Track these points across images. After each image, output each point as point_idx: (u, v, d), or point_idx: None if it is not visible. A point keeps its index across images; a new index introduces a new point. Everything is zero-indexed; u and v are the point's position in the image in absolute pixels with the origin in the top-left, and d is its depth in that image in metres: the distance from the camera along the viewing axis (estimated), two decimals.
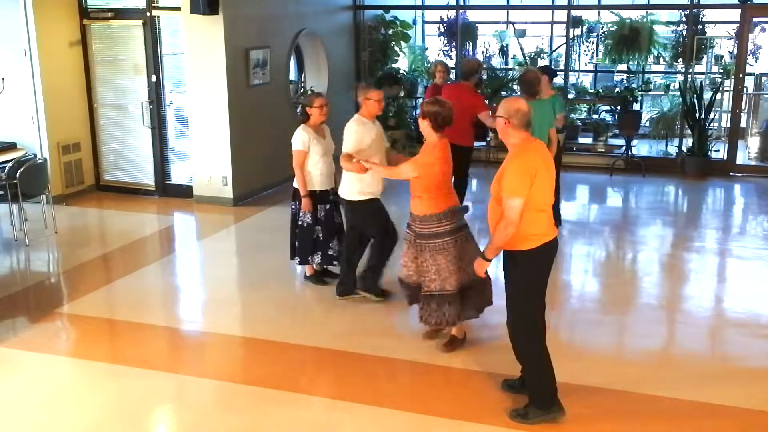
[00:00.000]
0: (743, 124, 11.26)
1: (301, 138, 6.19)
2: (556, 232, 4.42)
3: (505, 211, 4.18)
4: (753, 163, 11.13)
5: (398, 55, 12.37)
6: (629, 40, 11.10)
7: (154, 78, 9.32)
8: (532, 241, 4.27)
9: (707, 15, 11.35)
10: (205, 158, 9.17)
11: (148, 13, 9.20)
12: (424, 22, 13.70)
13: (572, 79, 12.14)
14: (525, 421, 4.47)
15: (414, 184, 5.20)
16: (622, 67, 12.23)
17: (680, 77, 11.39)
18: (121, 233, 8.32)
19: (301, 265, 6.61)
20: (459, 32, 12.06)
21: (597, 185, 10.39)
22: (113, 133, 9.78)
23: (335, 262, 6.53)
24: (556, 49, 12.48)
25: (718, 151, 10.94)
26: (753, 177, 10.57)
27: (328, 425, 4.52)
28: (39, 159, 8.25)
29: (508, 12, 13.19)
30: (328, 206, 6.39)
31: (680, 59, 11.42)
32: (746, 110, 11.35)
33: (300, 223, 6.36)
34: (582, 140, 11.74)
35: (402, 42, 12.26)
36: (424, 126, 5.16)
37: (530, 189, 4.17)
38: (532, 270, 4.37)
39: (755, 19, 11.12)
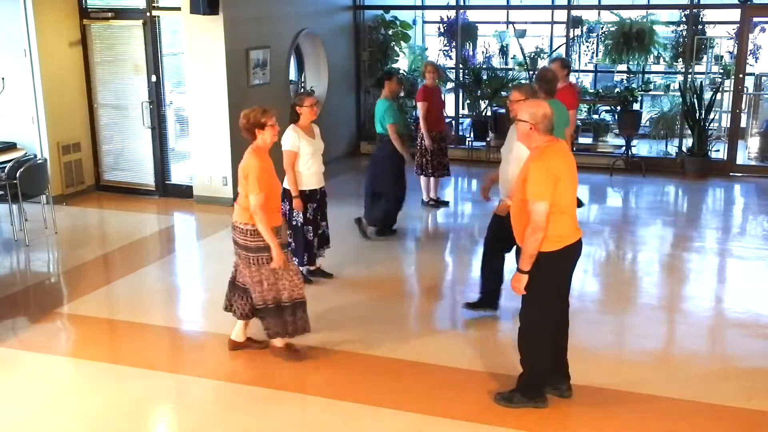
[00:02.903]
0: (743, 124, 11.26)
1: (290, 138, 6.20)
2: (580, 234, 4.39)
3: (531, 215, 4.15)
4: (753, 163, 11.13)
5: (398, 55, 12.38)
6: (630, 41, 11.10)
7: (154, 78, 9.31)
8: (555, 243, 4.24)
9: (707, 15, 11.36)
10: (205, 158, 9.17)
11: (148, 13, 9.20)
12: (424, 22, 13.71)
13: (572, 79, 12.13)
14: (509, 405, 4.58)
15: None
16: (622, 67, 12.24)
17: (680, 77, 11.39)
18: (121, 233, 8.32)
19: (301, 266, 6.61)
20: (459, 32, 12.06)
21: (597, 185, 10.38)
22: (113, 133, 9.77)
23: (320, 255, 6.68)
24: (556, 49, 12.48)
25: (718, 151, 10.94)
26: (753, 177, 10.57)
27: (327, 425, 4.52)
28: (39, 159, 8.25)
29: (508, 12, 13.20)
30: (314, 205, 6.43)
31: (680, 59, 11.43)
32: (746, 110, 11.35)
33: (294, 223, 6.38)
34: (582, 140, 11.74)
35: (402, 42, 12.26)
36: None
37: (554, 191, 4.15)
38: (554, 272, 4.34)
39: (755, 19, 11.12)
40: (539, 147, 4.26)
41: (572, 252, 4.36)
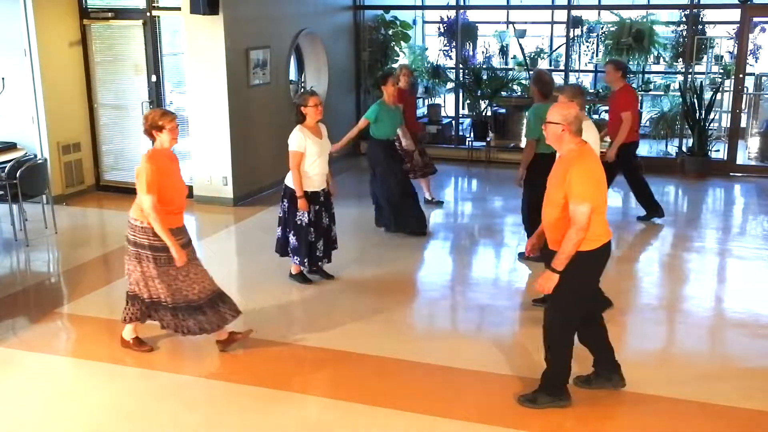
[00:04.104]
0: (743, 124, 11.25)
1: (296, 139, 6.19)
2: (611, 234, 4.47)
3: (575, 217, 4.19)
4: (753, 163, 11.13)
5: (398, 55, 12.38)
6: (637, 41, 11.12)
7: (154, 78, 9.32)
8: (594, 242, 4.31)
9: (707, 15, 11.37)
10: (205, 158, 9.17)
11: (148, 13, 9.20)
12: (424, 22, 13.72)
13: (572, 79, 12.15)
14: (534, 406, 4.58)
15: None
16: None
17: (680, 77, 11.39)
18: (121, 233, 8.22)
19: (301, 266, 6.61)
20: (459, 32, 12.07)
21: None
22: (113, 133, 9.78)
23: (323, 263, 6.62)
24: (556, 49, 12.50)
25: (718, 151, 10.94)
26: (753, 177, 10.56)
27: (328, 425, 4.52)
28: (39, 159, 8.26)
29: (508, 12, 13.22)
30: (317, 207, 6.41)
31: (680, 59, 11.43)
32: (746, 110, 11.35)
33: (299, 222, 6.37)
34: None
35: (402, 42, 12.27)
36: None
37: (596, 192, 4.23)
38: (589, 270, 4.43)
39: (755, 19, 11.12)
40: (574, 150, 4.30)
41: (607, 250, 4.45)
